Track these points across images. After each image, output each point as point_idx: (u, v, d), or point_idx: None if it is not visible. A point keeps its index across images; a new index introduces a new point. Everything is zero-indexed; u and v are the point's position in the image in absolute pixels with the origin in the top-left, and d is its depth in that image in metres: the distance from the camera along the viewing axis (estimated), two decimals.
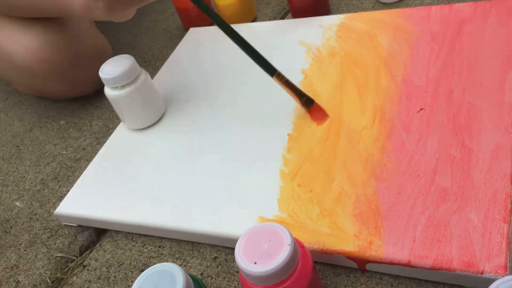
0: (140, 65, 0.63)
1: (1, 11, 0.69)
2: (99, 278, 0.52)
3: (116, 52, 0.78)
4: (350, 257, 0.43)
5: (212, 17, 0.54)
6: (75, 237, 0.58)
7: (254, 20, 0.81)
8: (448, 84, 0.53)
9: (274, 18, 0.80)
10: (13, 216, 0.63)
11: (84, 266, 0.54)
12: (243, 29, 0.75)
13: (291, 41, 0.69)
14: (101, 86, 0.61)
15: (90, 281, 0.52)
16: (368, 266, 0.43)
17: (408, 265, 0.40)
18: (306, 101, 0.56)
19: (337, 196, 0.47)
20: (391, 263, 0.41)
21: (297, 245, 0.38)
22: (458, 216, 0.42)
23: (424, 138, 0.49)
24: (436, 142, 0.48)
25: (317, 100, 0.57)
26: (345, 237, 0.44)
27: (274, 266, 0.36)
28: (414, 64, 0.57)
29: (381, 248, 0.42)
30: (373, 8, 0.72)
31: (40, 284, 0.54)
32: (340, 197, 0.47)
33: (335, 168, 0.50)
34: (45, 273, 0.55)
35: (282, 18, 0.80)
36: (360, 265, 0.43)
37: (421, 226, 0.42)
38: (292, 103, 0.59)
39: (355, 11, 0.73)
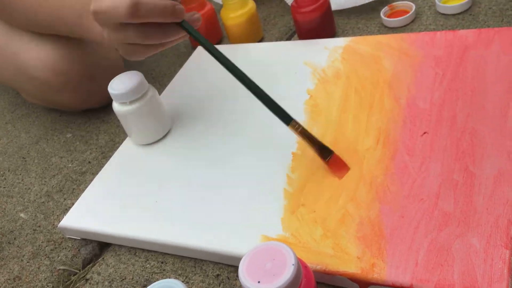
0: (148, 82, 0.64)
1: (19, 26, 0.70)
2: None
3: (124, 67, 0.79)
4: (352, 278, 0.43)
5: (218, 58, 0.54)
6: (79, 250, 0.58)
7: (260, 40, 0.82)
8: (452, 109, 0.54)
9: (281, 39, 0.81)
10: (17, 227, 0.63)
11: (87, 280, 0.54)
12: (250, 49, 0.76)
13: (297, 62, 0.70)
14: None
15: None
16: None
17: None
18: (323, 152, 0.52)
19: (341, 218, 0.48)
20: (394, 286, 0.41)
21: (300, 265, 0.38)
22: (460, 241, 0.42)
23: (427, 162, 0.50)
24: (439, 166, 0.49)
25: (321, 118, 0.58)
26: (348, 258, 0.44)
27: (277, 285, 0.36)
28: (418, 88, 0.58)
29: (384, 270, 0.42)
30: (378, 32, 0.74)
31: None
32: (343, 218, 0.47)
33: (339, 189, 0.50)
34: (47, 286, 0.55)
35: (288, 39, 0.81)
36: (362, 287, 0.43)
37: (424, 249, 0.43)
38: None
39: (360, 35, 0.74)
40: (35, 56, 0.70)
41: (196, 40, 0.55)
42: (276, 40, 0.81)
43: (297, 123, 0.52)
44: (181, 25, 0.54)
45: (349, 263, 0.44)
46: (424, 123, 0.54)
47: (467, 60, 0.59)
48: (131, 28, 0.52)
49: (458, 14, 0.70)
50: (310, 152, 0.55)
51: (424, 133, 0.53)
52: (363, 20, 0.77)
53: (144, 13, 0.50)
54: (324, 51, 0.69)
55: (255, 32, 0.81)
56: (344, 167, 0.52)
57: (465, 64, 0.59)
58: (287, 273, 0.37)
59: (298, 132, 0.52)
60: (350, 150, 0.54)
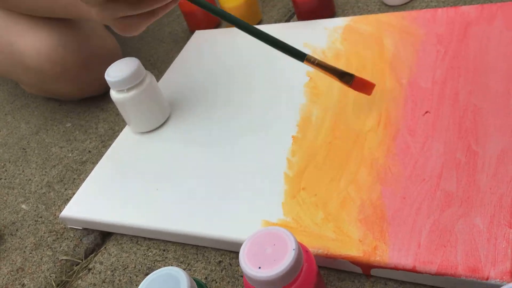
0: (146, 68, 0.63)
1: (16, 9, 0.69)
2: (103, 282, 0.52)
3: (122, 55, 0.78)
4: (354, 262, 0.43)
5: (223, 16, 0.53)
6: (80, 240, 0.58)
7: (259, 22, 0.81)
8: (454, 87, 0.53)
9: (280, 21, 0.80)
10: (19, 219, 0.63)
11: (89, 270, 0.54)
12: None
13: (296, 43, 0.68)
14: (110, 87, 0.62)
15: (94, 285, 0.52)
16: (373, 271, 0.43)
17: (413, 270, 0.40)
18: (345, 78, 0.53)
19: (342, 201, 0.47)
20: (396, 269, 0.41)
21: (301, 250, 0.38)
22: (463, 221, 0.42)
23: (430, 141, 0.49)
24: (442, 145, 0.48)
25: (321, 100, 0.57)
26: (349, 242, 0.43)
27: (278, 270, 0.36)
28: (420, 67, 0.57)
29: (386, 253, 0.42)
30: (379, 10, 0.72)
31: (45, 287, 0.54)
32: (345, 201, 0.47)
33: (339, 172, 0.50)
34: (50, 276, 0.55)
35: (288, 20, 0.80)
36: (364, 270, 0.43)
37: (426, 231, 0.42)
38: (296, 105, 0.59)
39: (361, 14, 0.73)
40: (30, 45, 0.69)
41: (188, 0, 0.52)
42: (275, 21, 0.80)
43: (311, 57, 0.52)
44: None
45: (351, 246, 0.43)
46: (426, 102, 0.53)
47: (469, 37, 0.58)
48: (119, 2, 0.48)
49: None
50: (311, 136, 0.54)
51: (426, 112, 0.52)
52: None
53: None
54: (324, 32, 0.68)
55: (254, 14, 0.80)
56: (369, 85, 0.53)
57: (468, 41, 0.57)
58: (288, 258, 0.36)
59: (315, 65, 0.52)
60: (351, 131, 0.53)
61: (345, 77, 0.53)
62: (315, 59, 0.52)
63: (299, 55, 0.53)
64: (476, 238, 0.40)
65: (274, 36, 0.53)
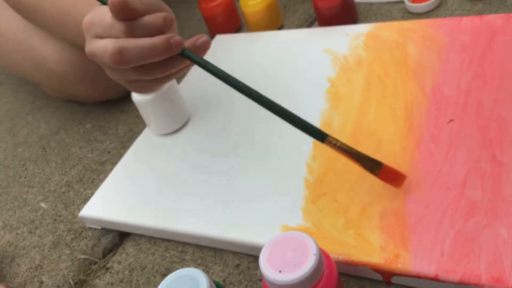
0: None
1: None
2: (121, 281, 0.52)
3: None
4: (375, 269, 0.42)
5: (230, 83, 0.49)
6: (99, 239, 0.58)
7: (280, 27, 0.81)
8: (479, 96, 0.52)
9: (301, 26, 0.80)
10: (38, 217, 0.64)
11: (107, 269, 0.54)
12: (269, 37, 0.75)
13: (318, 49, 0.68)
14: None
15: (112, 284, 0.52)
16: (394, 279, 0.42)
17: (435, 279, 0.40)
18: (371, 167, 0.45)
19: (363, 207, 0.46)
20: (418, 277, 0.40)
21: (322, 255, 0.37)
22: (487, 231, 0.41)
23: (454, 150, 0.48)
24: (466, 154, 0.47)
25: (343, 107, 0.56)
26: (370, 249, 0.43)
27: (299, 275, 0.35)
28: (444, 75, 0.56)
29: (408, 261, 0.41)
30: (402, 17, 0.72)
31: (63, 285, 0.54)
32: (366, 208, 0.46)
33: (361, 178, 0.49)
34: (68, 275, 0.55)
35: (309, 26, 0.80)
36: (385, 278, 0.42)
37: (450, 240, 0.41)
38: (317, 111, 0.58)
39: (384, 21, 0.72)
40: (52, 49, 0.70)
41: (204, 69, 0.48)
42: (296, 27, 0.80)
43: (333, 138, 0.45)
44: (183, 55, 0.47)
45: (372, 253, 0.42)
46: (450, 110, 0.52)
47: (495, 46, 0.57)
48: (128, 68, 0.47)
49: None
50: None
51: (450, 120, 0.51)
52: (386, 5, 0.75)
53: (132, 59, 0.44)
54: (346, 38, 0.68)
55: (275, 20, 0.80)
56: (399, 176, 0.45)
57: (493, 50, 0.57)
58: (309, 263, 0.36)
59: (336, 148, 0.45)
60: (372, 138, 0.52)
61: (370, 165, 0.45)
62: (337, 141, 0.45)
63: (319, 136, 0.45)
64: (500, 248, 0.39)
65: (290, 112, 0.45)
